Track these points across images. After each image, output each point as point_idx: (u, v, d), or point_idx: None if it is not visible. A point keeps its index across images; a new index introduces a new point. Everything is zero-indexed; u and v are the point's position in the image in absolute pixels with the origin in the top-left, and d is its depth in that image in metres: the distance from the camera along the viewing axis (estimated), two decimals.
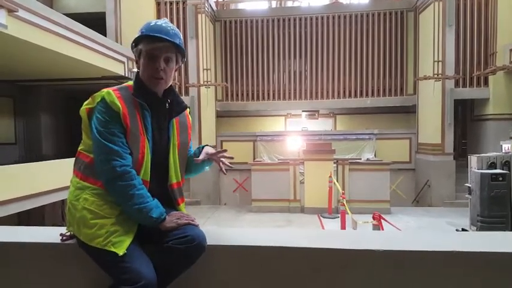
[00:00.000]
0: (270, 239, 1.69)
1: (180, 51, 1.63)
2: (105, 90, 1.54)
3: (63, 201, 8.60)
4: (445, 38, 11.47)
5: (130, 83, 1.63)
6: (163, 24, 1.59)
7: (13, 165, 6.54)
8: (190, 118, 1.79)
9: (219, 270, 1.62)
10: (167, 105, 1.64)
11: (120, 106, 1.50)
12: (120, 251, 1.42)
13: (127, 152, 1.50)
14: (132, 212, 1.48)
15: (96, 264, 1.51)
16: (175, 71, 1.67)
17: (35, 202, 6.57)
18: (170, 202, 1.63)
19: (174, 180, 1.64)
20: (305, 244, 1.61)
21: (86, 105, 1.56)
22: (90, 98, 1.56)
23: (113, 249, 1.42)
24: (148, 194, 1.51)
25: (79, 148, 1.60)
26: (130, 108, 1.53)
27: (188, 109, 1.78)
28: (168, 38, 1.56)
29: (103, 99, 1.51)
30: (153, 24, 1.58)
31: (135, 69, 1.67)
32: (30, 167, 6.77)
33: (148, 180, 1.56)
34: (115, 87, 1.58)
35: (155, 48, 1.56)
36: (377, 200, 10.49)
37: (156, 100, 1.61)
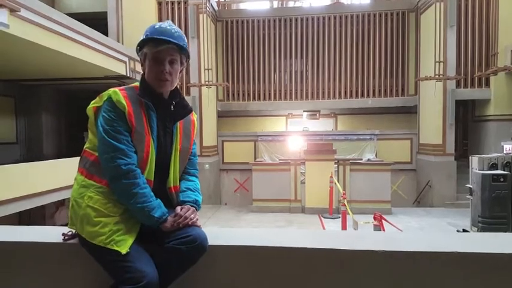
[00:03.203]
0: (270, 239, 1.69)
1: (184, 52, 1.64)
2: (111, 89, 1.55)
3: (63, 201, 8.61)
4: (447, 39, 11.46)
5: (137, 84, 1.64)
6: (168, 27, 1.60)
7: (14, 165, 6.54)
8: (196, 125, 1.78)
9: (220, 270, 1.63)
10: (172, 107, 1.64)
11: (125, 105, 1.51)
12: (123, 249, 1.42)
13: (132, 151, 1.51)
14: (134, 210, 1.48)
15: (97, 263, 1.52)
16: (180, 72, 1.68)
17: (35, 202, 6.57)
18: (170, 204, 1.63)
19: (172, 184, 1.64)
20: (306, 244, 1.61)
21: (93, 104, 1.58)
22: (97, 97, 1.58)
23: (115, 248, 1.42)
24: (152, 194, 1.51)
25: (85, 146, 1.61)
26: (136, 107, 1.54)
27: (195, 115, 1.79)
28: (172, 40, 1.57)
29: (109, 98, 1.52)
30: (157, 26, 1.59)
31: (141, 71, 1.68)
32: (31, 166, 6.77)
33: (152, 179, 1.57)
34: (122, 87, 1.59)
35: (160, 51, 1.57)
36: (378, 200, 10.50)
37: (162, 101, 1.61)
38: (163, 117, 1.61)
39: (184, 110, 1.68)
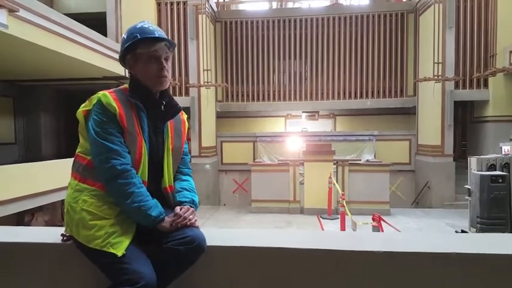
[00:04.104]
0: (269, 240, 1.69)
1: (171, 50, 1.66)
2: (101, 92, 1.55)
3: (62, 201, 8.57)
4: (445, 40, 11.49)
5: (126, 86, 1.64)
6: (150, 27, 1.61)
7: (13, 165, 6.52)
8: (187, 124, 1.79)
9: (218, 271, 1.62)
10: (162, 107, 1.65)
11: (116, 107, 1.51)
12: (119, 252, 1.41)
13: (126, 151, 1.50)
14: (131, 210, 1.47)
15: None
16: None
17: (34, 202, 6.56)
18: (166, 204, 1.62)
19: (167, 184, 1.64)
20: (304, 245, 1.61)
21: (82, 108, 1.57)
22: (87, 101, 1.57)
23: (111, 251, 1.41)
24: (148, 193, 1.51)
25: (77, 151, 1.60)
26: (127, 109, 1.54)
27: (185, 115, 1.79)
28: (165, 37, 1.60)
29: (99, 101, 1.51)
30: (139, 26, 1.60)
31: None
32: (29, 167, 6.76)
33: (147, 180, 1.56)
34: (111, 90, 1.59)
35: (157, 49, 1.58)
36: (377, 201, 10.50)
37: (152, 102, 1.62)
38: (153, 117, 1.61)
39: (174, 109, 1.68)
